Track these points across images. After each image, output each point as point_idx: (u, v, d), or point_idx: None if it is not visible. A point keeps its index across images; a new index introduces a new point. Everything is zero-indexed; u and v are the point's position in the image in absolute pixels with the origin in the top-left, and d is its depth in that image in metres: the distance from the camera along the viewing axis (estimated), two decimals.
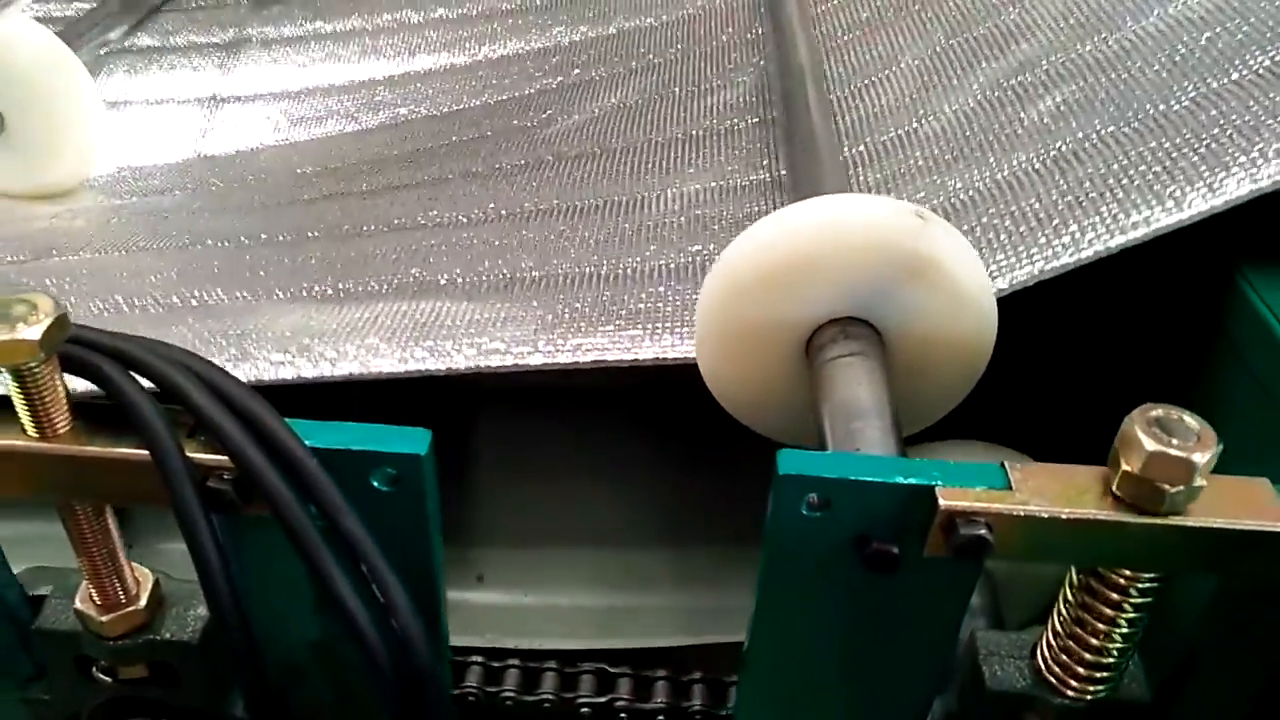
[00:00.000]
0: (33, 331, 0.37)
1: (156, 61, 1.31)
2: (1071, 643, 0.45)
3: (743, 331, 0.55)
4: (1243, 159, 0.56)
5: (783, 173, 0.82)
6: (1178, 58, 0.67)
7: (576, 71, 1.14)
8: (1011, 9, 0.84)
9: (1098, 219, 0.58)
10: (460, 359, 0.63)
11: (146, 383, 0.41)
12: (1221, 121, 0.59)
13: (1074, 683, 0.45)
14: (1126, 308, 0.66)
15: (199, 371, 0.40)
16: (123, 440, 0.40)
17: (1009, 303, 0.56)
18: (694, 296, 0.68)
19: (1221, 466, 0.39)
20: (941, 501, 0.40)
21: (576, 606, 0.75)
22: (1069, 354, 0.70)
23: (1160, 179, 0.58)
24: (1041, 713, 0.46)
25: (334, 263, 0.82)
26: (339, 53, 1.32)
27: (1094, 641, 0.44)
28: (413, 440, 0.42)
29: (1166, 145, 0.60)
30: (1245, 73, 0.62)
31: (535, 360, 0.63)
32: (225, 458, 0.40)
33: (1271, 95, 0.59)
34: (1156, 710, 0.46)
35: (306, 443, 0.40)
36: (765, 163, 0.85)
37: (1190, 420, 0.39)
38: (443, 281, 0.77)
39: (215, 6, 1.43)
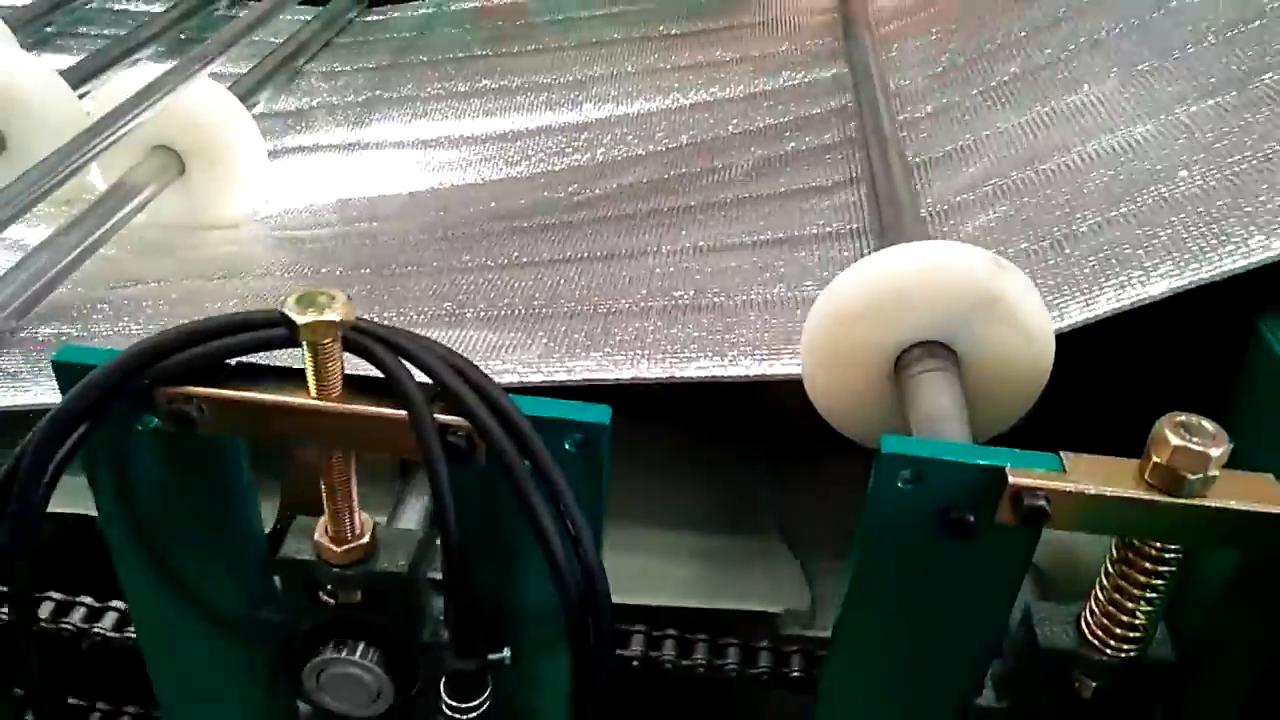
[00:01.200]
0: (334, 314, 0.50)
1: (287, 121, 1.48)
2: (1111, 608, 0.55)
3: (842, 350, 0.67)
4: (1114, 281, 0.69)
5: (758, 237, 0.98)
6: (1085, 189, 0.81)
7: (601, 151, 1.30)
8: (967, 134, 1.00)
9: None
10: None
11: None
12: (1106, 248, 0.73)
13: (1112, 642, 0.56)
14: (1166, 346, 0.78)
15: (443, 355, 0.53)
16: (382, 403, 0.53)
17: (1068, 338, 0.67)
18: (671, 331, 0.83)
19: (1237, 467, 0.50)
20: (1010, 479, 0.51)
21: (669, 572, 0.87)
22: (1115, 383, 0.81)
23: (1052, 291, 0.71)
24: (1084, 668, 0.57)
25: (380, 295, 0.97)
26: (392, 114, 1.47)
27: (1129, 605, 0.54)
28: (598, 413, 0.54)
29: (1062, 262, 0.74)
30: (1133, 206, 0.76)
31: (536, 379, 0.77)
32: (461, 419, 0.53)
33: (1146, 228, 0.73)
34: (1180, 668, 0.56)
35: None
36: (745, 228, 1.01)
37: (1207, 424, 0.50)
38: (469, 315, 0.91)
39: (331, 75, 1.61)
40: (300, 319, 0.50)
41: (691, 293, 0.89)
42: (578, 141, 1.33)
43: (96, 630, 0.76)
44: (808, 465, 0.98)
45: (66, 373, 0.54)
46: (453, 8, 1.79)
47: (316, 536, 0.59)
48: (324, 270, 1.05)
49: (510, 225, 1.13)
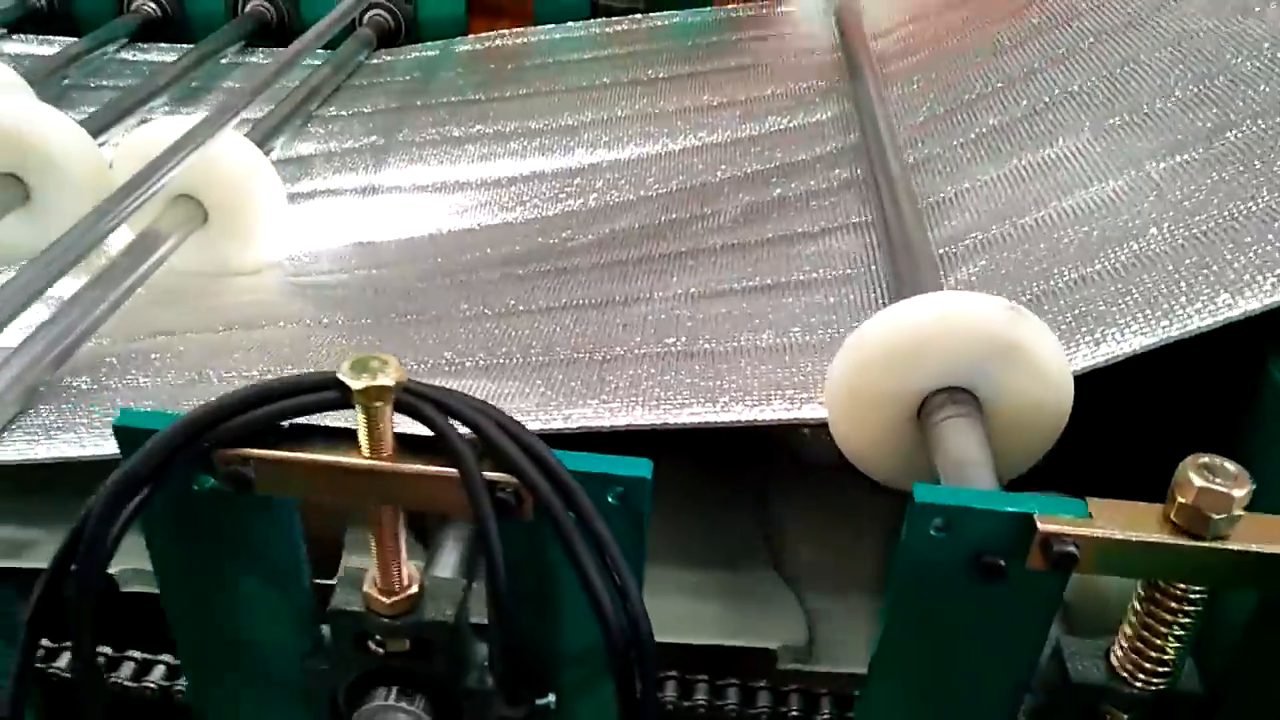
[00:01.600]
0: (387, 379, 0.52)
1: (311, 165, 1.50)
2: (1140, 644, 0.57)
3: (866, 396, 0.69)
4: (1089, 338, 0.72)
5: (747, 283, 1.00)
6: (1062, 245, 0.84)
7: (594, 196, 1.32)
8: (948, 187, 1.03)
9: None
10: None
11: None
12: (1082, 305, 0.76)
13: (1141, 676, 0.58)
14: (1178, 388, 0.80)
15: (489, 412, 0.56)
16: (432, 461, 0.55)
17: (1085, 380, 0.69)
18: (664, 378, 0.85)
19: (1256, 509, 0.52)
20: (1040, 526, 0.53)
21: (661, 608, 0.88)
22: (1130, 422, 0.84)
23: None
24: (1115, 701, 0.59)
25: (381, 346, 0.99)
26: (391, 160, 1.48)
27: (1158, 641, 0.56)
28: (639, 467, 0.56)
29: (1042, 319, 0.75)
30: (1107, 264, 0.79)
31: (534, 427, 0.78)
32: (507, 475, 0.55)
33: (1119, 285, 0.76)
34: (1208, 700, 0.58)
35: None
36: (734, 275, 1.04)
37: (1230, 465, 0.52)
38: (468, 365, 0.93)
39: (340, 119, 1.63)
40: (355, 384, 0.52)
41: (683, 340, 0.91)
42: (571, 186, 1.36)
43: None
44: (801, 496, 1.00)
45: (127, 436, 0.56)
46: (458, 49, 1.82)
47: (365, 588, 0.61)
48: (325, 321, 1.07)
49: (506, 272, 1.16)
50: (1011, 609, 0.57)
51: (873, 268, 0.98)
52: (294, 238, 1.31)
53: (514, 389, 0.86)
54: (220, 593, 0.64)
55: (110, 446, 0.82)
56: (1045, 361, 0.66)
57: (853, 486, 0.82)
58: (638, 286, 1.05)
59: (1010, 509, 0.54)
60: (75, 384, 0.95)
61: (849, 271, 0.99)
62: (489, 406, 0.56)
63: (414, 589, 0.61)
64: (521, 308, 1.04)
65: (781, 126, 1.37)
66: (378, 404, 0.54)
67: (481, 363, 0.93)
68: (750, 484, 1.02)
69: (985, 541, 0.55)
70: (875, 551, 0.91)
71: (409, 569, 0.61)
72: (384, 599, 0.60)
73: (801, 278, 1.00)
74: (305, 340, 1.02)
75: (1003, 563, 0.55)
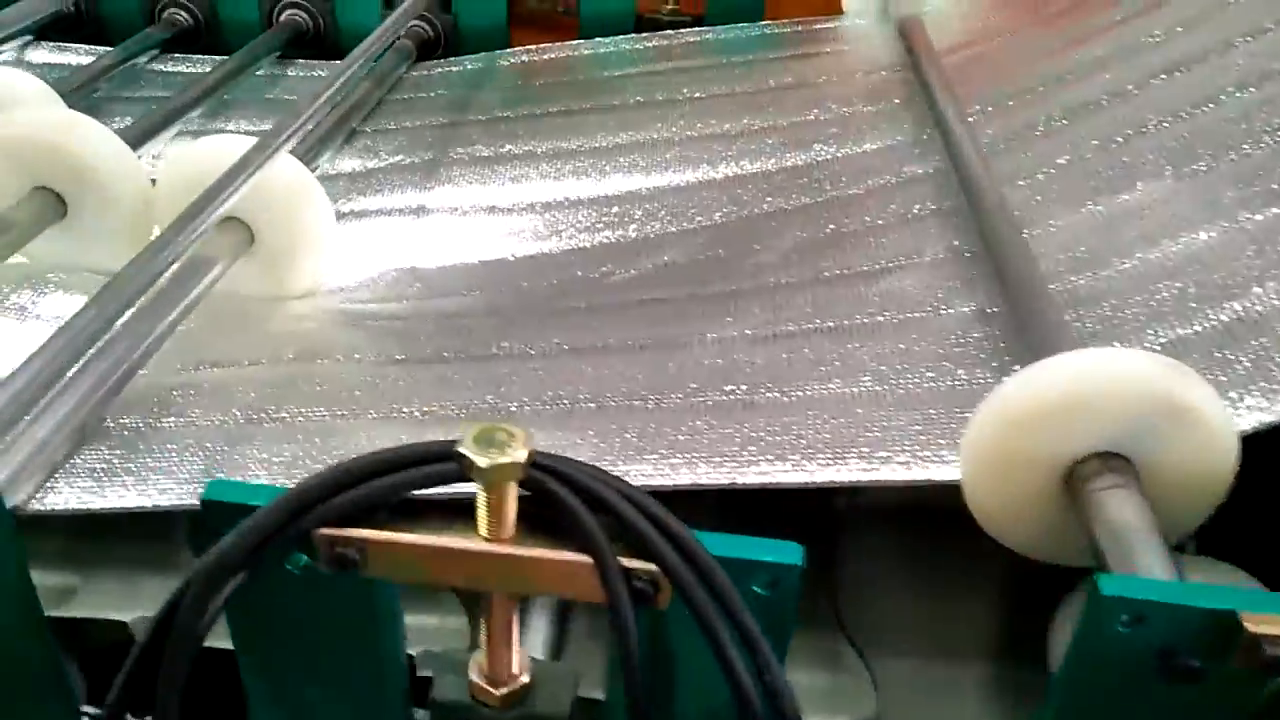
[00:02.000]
0: (518, 455, 0.47)
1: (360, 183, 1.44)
2: None
3: (1008, 459, 0.63)
4: None
5: (806, 325, 0.93)
6: (1153, 302, 0.79)
7: (633, 227, 1.24)
8: (1021, 232, 0.96)
9: None
10: None
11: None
12: None
13: None
14: None
15: (619, 488, 0.50)
16: (557, 544, 0.49)
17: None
18: (727, 430, 0.77)
19: None
20: (1248, 626, 0.47)
21: None
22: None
23: None
24: None
25: (418, 385, 0.92)
26: (422, 183, 1.40)
27: None
28: (790, 552, 0.50)
29: None
30: (1207, 325, 0.73)
31: None
32: (642, 561, 0.49)
33: (1225, 351, 0.71)
34: None
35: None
36: (790, 315, 0.96)
37: None
38: (513, 408, 0.86)
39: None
40: (482, 461, 0.46)
41: (744, 387, 0.84)
42: (608, 215, 1.28)
43: None
44: (866, 544, 0.92)
45: (217, 511, 0.50)
46: (498, 64, 1.76)
47: (472, 676, 0.55)
48: (357, 356, 1.00)
49: (545, 308, 1.09)
50: (1202, 711, 0.51)
51: (943, 310, 0.91)
52: (335, 262, 1.25)
53: (565, 440, 0.79)
54: (308, 675, 0.58)
55: (167, 497, 0.77)
56: (1213, 425, 0.60)
57: (927, 534, 0.75)
58: (689, 327, 0.97)
59: (1213, 605, 0.48)
60: (126, 424, 0.89)
61: (918, 315, 0.92)
62: (615, 479, 0.50)
63: (525, 678, 0.55)
64: (566, 347, 0.97)
65: (833, 154, 1.29)
66: (503, 482, 0.48)
67: (526, 408, 0.87)
68: (805, 526, 0.94)
69: (1179, 639, 0.49)
70: (950, 610, 0.85)
71: (521, 657, 0.56)
72: (493, 690, 0.55)
73: (865, 321, 0.93)
74: (337, 378, 0.96)
75: (1198, 664, 0.49)
